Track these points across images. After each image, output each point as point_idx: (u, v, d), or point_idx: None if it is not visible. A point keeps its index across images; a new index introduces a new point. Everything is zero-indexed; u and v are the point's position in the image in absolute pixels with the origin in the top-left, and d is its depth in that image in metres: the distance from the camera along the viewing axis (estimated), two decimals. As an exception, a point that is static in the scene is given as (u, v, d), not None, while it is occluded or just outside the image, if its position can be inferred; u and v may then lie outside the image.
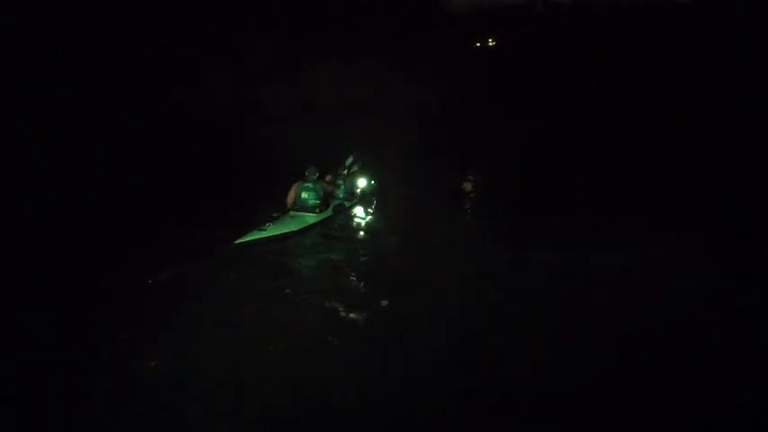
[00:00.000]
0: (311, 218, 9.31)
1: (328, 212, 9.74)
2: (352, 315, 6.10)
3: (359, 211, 10.59)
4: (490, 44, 58.58)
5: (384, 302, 6.50)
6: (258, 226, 8.46)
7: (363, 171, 10.92)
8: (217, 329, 5.66)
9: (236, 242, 8.04)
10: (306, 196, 9.62)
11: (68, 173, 11.47)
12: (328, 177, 10.47)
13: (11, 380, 4.68)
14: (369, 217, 10.41)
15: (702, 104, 20.32)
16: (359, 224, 10.00)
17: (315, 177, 9.77)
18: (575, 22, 63.23)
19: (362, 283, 7.17)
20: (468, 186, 11.89)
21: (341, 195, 10.42)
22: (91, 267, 7.09)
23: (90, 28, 16.27)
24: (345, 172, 10.71)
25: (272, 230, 8.50)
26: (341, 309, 6.23)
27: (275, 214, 9.05)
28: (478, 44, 58.33)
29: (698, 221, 9.42)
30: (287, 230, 8.69)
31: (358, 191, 10.63)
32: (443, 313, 6.17)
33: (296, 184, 9.69)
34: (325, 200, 9.80)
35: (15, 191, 10.19)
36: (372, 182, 11.02)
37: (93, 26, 16.43)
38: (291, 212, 9.39)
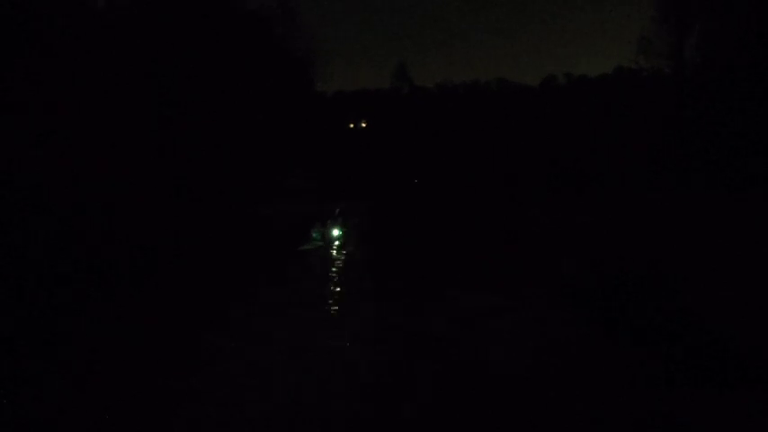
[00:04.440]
0: (319, 243, 20.84)
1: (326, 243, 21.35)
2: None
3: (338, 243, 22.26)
4: (363, 125, 72.80)
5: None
6: (303, 245, 20.01)
7: (336, 224, 22.57)
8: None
9: (299, 249, 19.62)
10: (315, 236, 21.11)
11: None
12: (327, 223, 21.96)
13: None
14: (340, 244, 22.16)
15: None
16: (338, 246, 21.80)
17: (319, 226, 21.28)
18: (439, 103, 78.79)
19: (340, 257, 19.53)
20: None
21: (328, 236, 21.85)
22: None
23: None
24: (331, 222, 22.26)
25: (307, 247, 20.11)
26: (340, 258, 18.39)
27: (307, 243, 20.55)
28: (352, 125, 72.19)
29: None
30: (313, 247, 20.26)
31: (334, 234, 22.24)
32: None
33: (313, 229, 21.11)
34: (324, 237, 21.30)
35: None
36: (342, 231, 22.70)
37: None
38: (312, 241, 20.81)
